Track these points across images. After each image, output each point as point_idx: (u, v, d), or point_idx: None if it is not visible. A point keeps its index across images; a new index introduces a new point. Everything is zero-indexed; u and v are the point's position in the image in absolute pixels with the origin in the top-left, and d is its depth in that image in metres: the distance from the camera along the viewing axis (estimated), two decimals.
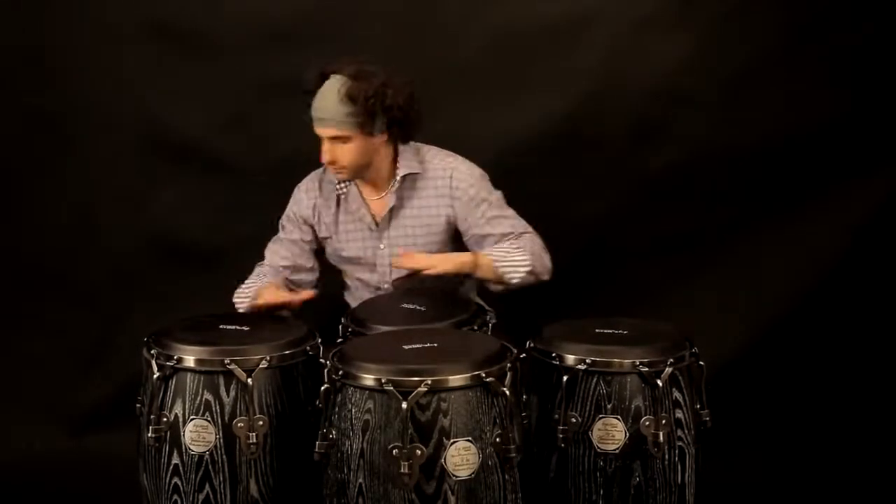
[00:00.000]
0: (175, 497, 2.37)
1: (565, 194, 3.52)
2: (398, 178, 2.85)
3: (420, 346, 2.32)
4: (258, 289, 2.85)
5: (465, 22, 3.45)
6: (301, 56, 3.46)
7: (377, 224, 2.89)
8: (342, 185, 2.89)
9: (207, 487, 2.36)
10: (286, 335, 2.47)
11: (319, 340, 2.52)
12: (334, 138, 2.73)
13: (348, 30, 3.47)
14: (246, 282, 2.96)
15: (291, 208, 2.98)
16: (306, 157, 3.49)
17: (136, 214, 3.56)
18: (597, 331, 2.56)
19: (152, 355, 2.40)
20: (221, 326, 2.53)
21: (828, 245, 3.60)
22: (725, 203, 3.62)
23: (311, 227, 2.94)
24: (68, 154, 3.52)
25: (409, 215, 2.88)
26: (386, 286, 2.92)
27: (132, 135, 3.51)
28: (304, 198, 2.96)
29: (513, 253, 2.78)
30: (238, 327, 2.53)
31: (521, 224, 2.89)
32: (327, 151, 2.75)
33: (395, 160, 2.86)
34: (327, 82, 2.74)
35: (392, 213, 2.87)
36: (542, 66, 3.51)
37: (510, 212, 2.90)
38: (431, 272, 2.67)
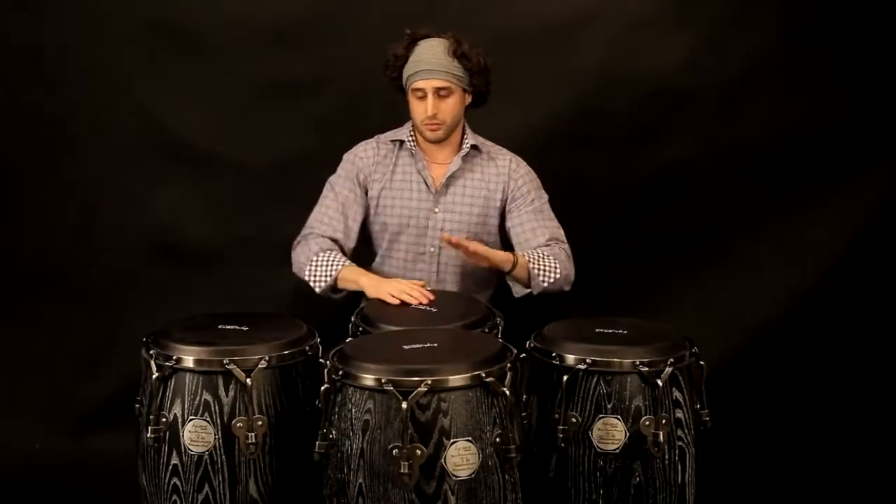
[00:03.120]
0: (174, 497, 2.37)
1: (565, 194, 3.51)
2: (467, 144, 2.98)
3: (420, 346, 2.32)
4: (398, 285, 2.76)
5: (465, 22, 3.44)
6: (301, 56, 3.49)
7: (435, 188, 2.97)
8: (412, 141, 2.97)
9: (206, 488, 2.35)
10: (285, 335, 2.47)
11: (318, 340, 2.52)
12: (439, 90, 2.86)
13: (348, 30, 3.47)
14: (314, 260, 2.88)
15: (346, 168, 3.00)
16: (306, 157, 3.52)
17: (136, 214, 3.56)
18: (597, 331, 2.56)
19: (151, 355, 2.40)
20: (220, 326, 2.53)
21: (828, 245, 3.60)
22: (725, 203, 3.62)
23: (365, 187, 2.98)
24: (68, 154, 3.51)
25: (469, 185, 2.99)
26: (433, 250, 2.98)
27: (132, 135, 3.51)
28: (363, 156, 3.00)
29: (546, 258, 2.88)
30: (237, 327, 2.53)
31: (559, 232, 3.01)
32: (431, 105, 2.86)
33: (463, 131, 3.01)
34: (426, 42, 2.89)
35: (451, 179, 2.97)
36: (542, 65, 3.52)
37: (552, 215, 3.03)
38: (480, 259, 2.75)
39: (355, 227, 2.98)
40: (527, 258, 2.85)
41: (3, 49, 3.45)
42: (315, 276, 2.86)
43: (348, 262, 2.88)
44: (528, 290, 2.91)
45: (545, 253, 2.89)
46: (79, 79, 3.47)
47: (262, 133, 3.54)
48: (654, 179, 3.60)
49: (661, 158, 3.58)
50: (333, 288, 2.86)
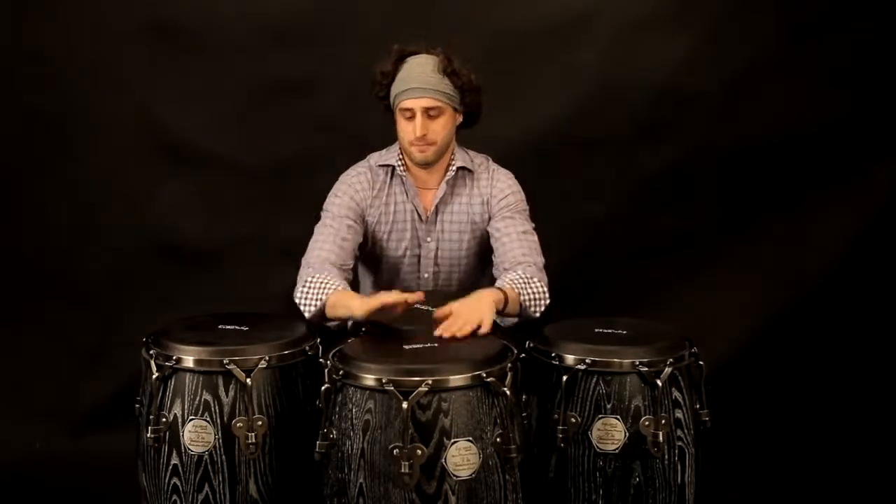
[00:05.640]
0: (174, 497, 2.37)
1: (565, 194, 3.52)
2: (454, 168, 2.84)
3: (421, 345, 2.32)
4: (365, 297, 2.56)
5: (465, 22, 3.45)
6: (301, 56, 3.49)
7: (426, 218, 2.86)
8: (401, 166, 2.83)
9: (206, 488, 2.36)
10: (285, 335, 2.47)
11: (318, 340, 2.52)
12: (429, 110, 2.71)
13: (348, 30, 3.47)
14: (308, 282, 2.65)
15: (343, 198, 2.81)
16: (306, 157, 3.52)
17: (136, 214, 3.56)
18: (596, 331, 2.56)
19: (151, 355, 2.40)
20: (220, 326, 2.53)
21: (827, 245, 3.60)
22: (725, 203, 3.62)
23: (364, 216, 2.84)
24: (68, 154, 3.52)
25: (457, 211, 2.86)
26: (427, 276, 2.89)
27: (132, 135, 3.51)
28: (359, 188, 2.84)
29: (532, 283, 2.70)
30: (237, 327, 2.53)
31: (535, 244, 2.83)
32: (420, 125, 2.70)
33: (451, 152, 2.86)
34: (414, 59, 2.74)
35: (440, 206, 2.85)
36: (542, 66, 3.52)
37: (529, 227, 2.85)
38: (484, 329, 2.47)
39: (354, 253, 2.81)
40: (516, 291, 2.64)
41: (3, 49, 3.45)
42: (305, 300, 2.62)
43: (341, 286, 2.63)
44: (516, 320, 2.76)
45: (526, 277, 2.70)
46: (79, 79, 3.47)
47: (262, 133, 3.54)
48: (654, 179, 3.59)
49: (661, 158, 3.58)
50: (323, 314, 2.61)
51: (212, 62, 3.49)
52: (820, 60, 3.54)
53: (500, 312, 2.60)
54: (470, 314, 2.46)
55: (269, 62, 3.48)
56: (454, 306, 2.50)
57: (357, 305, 2.49)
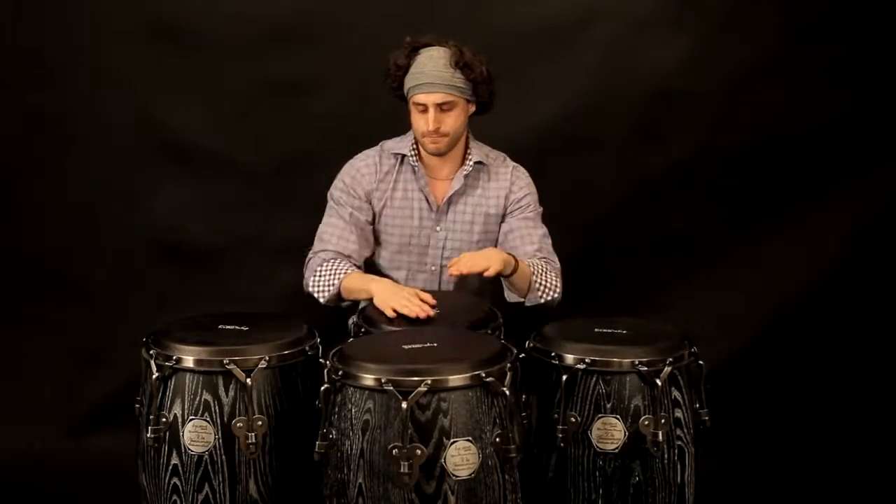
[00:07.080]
0: (174, 497, 2.38)
1: (565, 194, 3.52)
2: (471, 162, 2.90)
3: (420, 345, 2.32)
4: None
5: (465, 22, 3.45)
6: (301, 56, 3.49)
7: (437, 207, 2.90)
8: (414, 156, 2.88)
9: (206, 488, 2.36)
10: (285, 335, 2.47)
11: (318, 340, 2.52)
12: (441, 105, 2.77)
13: (348, 30, 3.47)
14: (318, 270, 2.82)
15: (347, 182, 2.90)
16: (306, 157, 3.52)
17: (136, 214, 3.56)
18: (596, 330, 2.56)
19: (151, 355, 2.40)
20: (220, 326, 2.53)
21: (828, 245, 3.60)
22: (725, 203, 3.63)
23: (371, 203, 2.90)
24: (68, 154, 3.52)
25: (471, 202, 2.92)
26: (434, 268, 2.92)
27: (132, 135, 3.51)
28: (365, 172, 2.90)
29: (547, 273, 2.81)
30: (237, 327, 2.53)
31: (548, 243, 2.93)
32: (433, 119, 2.77)
33: (466, 144, 2.92)
34: (427, 52, 2.79)
35: (453, 197, 2.90)
36: (542, 66, 3.52)
37: (544, 228, 2.94)
38: (489, 273, 2.63)
39: (368, 237, 2.90)
40: (531, 269, 2.76)
41: (3, 49, 3.45)
42: (318, 286, 2.78)
43: (354, 270, 2.81)
44: (521, 300, 2.84)
45: (547, 267, 2.82)
46: (79, 79, 3.47)
47: (262, 133, 3.54)
48: (654, 179, 3.59)
49: (660, 158, 3.58)
50: (339, 296, 2.79)
51: (212, 62, 3.49)
52: (820, 60, 3.54)
53: (506, 278, 2.71)
54: (477, 258, 2.64)
55: (269, 62, 3.49)
56: (464, 253, 2.70)
57: (376, 291, 2.64)
